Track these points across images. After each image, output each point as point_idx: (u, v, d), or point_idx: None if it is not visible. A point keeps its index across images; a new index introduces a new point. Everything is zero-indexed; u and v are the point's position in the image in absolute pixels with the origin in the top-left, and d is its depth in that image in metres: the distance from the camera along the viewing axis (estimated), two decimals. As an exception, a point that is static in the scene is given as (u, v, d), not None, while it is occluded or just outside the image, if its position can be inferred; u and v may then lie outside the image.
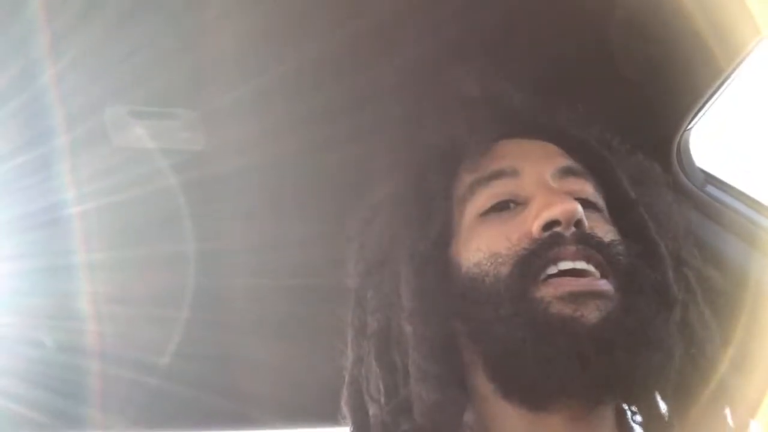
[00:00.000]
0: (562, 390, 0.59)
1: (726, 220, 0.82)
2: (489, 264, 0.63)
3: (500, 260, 0.63)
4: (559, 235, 0.62)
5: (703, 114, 0.84)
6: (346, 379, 0.69)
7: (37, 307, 1.06)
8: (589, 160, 0.71)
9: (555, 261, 0.61)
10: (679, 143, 0.86)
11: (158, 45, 0.80)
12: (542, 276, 0.61)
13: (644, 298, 0.62)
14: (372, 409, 0.66)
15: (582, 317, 0.58)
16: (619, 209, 0.69)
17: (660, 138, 0.85)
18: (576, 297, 0.59)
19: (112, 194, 0.94)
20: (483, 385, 0.64)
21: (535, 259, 0.61)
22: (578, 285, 0.60)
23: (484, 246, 0.64)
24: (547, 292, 0.60)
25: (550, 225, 0.62)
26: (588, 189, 0.69)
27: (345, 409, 0.69)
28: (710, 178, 0.86)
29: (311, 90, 0.85)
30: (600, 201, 0.69)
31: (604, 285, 0.61)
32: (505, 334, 0.61)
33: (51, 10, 0.76)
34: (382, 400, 0.65)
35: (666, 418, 0.66)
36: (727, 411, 0.66)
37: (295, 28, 0.80)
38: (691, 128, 0.86)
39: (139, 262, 1.03)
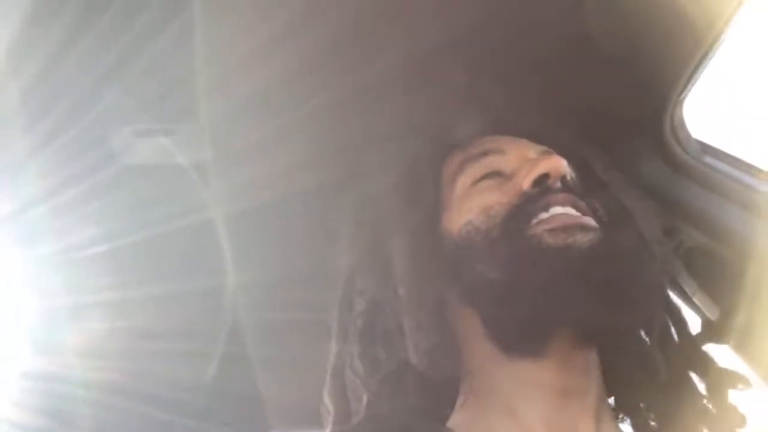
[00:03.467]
0: (562, 317, 0.63)
1: (726, 190, 0.80)
2: (481, 219, 0.67)
3: (492, 213, 0.66)
4: (548, 185, 0.66)
5: (694, 83, 0.82)
6: (329, 372, 0.73)
7: (70, 345, 1.07)
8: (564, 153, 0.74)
9: (546, 207, 0.65)
10: (671, 115, 0.84)
11: (191, 85, 0.83)
12: (534, 220, 0.64)
13: (627, 235, 0.67)
14: (353, 396, 0.69)
15: (575, 242, 0.62)
16: (595, 194, 0.72)
17: (651, 111, 0.84)
18: (567, 229, 0.63)
19: (142, 231, 0.96)
20: (483, 350, 0.66)
21: (527, 206, 0.65)
22: (569, 219, 0.64)
23: (475, 205, 0.68)
24: (539, 228, 0.64)
25: (540, 180, 0.66)
26: (567, 167, 0.72)
27: (327, 400, 0.72)
28: (707, 148, 0.84)
29: (339, 124, 0.87)
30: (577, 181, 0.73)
31: (591, 221, 0.65)
32: (502, 277, 0.64)
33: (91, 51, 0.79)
34: (364, 383, 0.68)
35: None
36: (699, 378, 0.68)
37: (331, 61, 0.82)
38: (683, 99, 0.84)
39: (169, 297, 1.04)
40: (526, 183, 0.67)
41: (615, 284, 0.62)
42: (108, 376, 1.07)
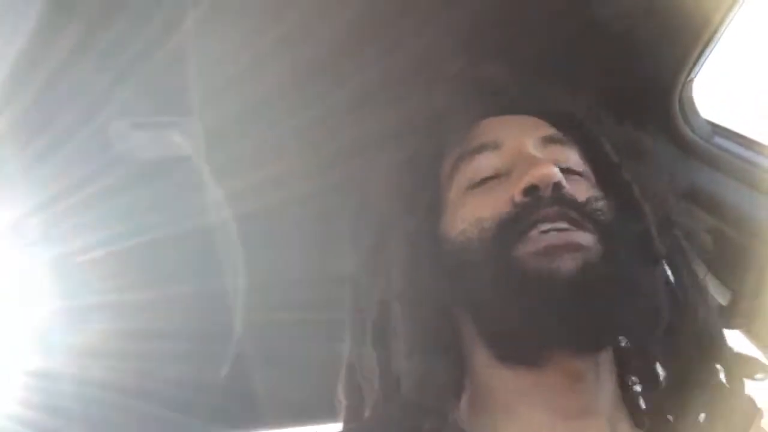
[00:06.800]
0: (551, 341, 0.60)
1: (737, 171, 0.78)
2: (473, 231, 0.64)
3: (484, 225, 0.63)
4: (538, 197, 0.62)
5: (703, 63, 0.80)
6: (344, 364, 0.71)
7: (77, 345, 1.07)
8: (572, 130, 0.71)
9: (534, 223, 0.61)
10: (680, 95, 0.82)
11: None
12: (523, 238, 0.61)
13: (624, 248, 0.62)
14: (366, 391, 0.68)
15: (558, 268, 0.59)
16: (604, 175, 0.69)
17: (659, 92, 0.82)
18: (552, 250, 0.60)
19: (148, 233, 0.95)
20: (481, 354, 0.65)
21: (514, 222, 0.62)
22: (554, 239, 0.60)
23: (468, 215, 0.65)
24: (524, 249, 0.61)
25: (529, 190, 0.62)
26: (571, 156, 0.69)
27: (341, 394, 0.70)
28: (718, 129, 0.82)
29: (339, 129, 0.86)
30: (585, 168, 0.69)
31: (581, 237, 0.61)
32: (490, 296, 0.62)
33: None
34: (376, 381, 0.66)
35: (663, 386, 0.66)
36: (719, 368, 0.64)
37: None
38: (692, 79, 0.82)
39: (175, 299, 1.03)
40: (516, 194, 0.63)
41: (608, 308, 0.59)
42: (113, 376, 1.06)
